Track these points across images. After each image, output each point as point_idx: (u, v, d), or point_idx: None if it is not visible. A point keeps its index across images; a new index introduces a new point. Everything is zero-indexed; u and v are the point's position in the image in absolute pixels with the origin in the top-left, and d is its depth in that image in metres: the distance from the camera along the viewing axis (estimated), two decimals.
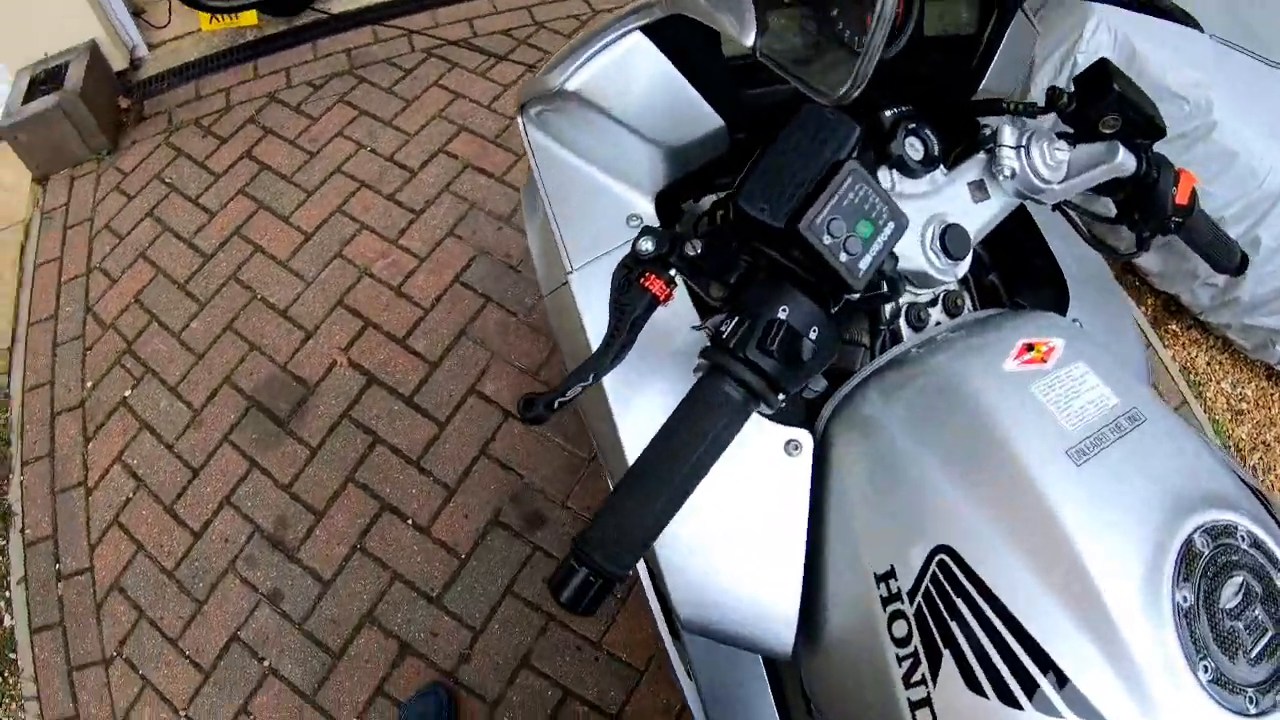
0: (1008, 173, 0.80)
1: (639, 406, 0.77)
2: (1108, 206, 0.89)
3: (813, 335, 0.59)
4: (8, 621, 2.05)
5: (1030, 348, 0.69)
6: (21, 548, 2.12)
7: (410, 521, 1.95)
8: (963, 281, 0.89)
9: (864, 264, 0.59)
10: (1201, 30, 1.95)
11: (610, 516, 0.57)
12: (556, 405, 0.63)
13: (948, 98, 0.88)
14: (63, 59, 2.71)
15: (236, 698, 1.83)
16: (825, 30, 0.69)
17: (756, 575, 0.72)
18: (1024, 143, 0.80)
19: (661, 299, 0.64)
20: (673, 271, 0.65)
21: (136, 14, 3.00)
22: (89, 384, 2.28)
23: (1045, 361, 0.67)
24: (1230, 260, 0.94)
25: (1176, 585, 0.55)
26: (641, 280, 0.63)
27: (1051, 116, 0.81)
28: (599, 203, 0.86)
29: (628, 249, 0.65)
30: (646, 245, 0.64)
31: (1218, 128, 1.95)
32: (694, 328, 0.67)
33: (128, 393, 2.24)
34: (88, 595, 2.01)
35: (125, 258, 2.47)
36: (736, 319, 0.60)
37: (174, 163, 2.64)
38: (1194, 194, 0.84)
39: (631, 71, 0.81)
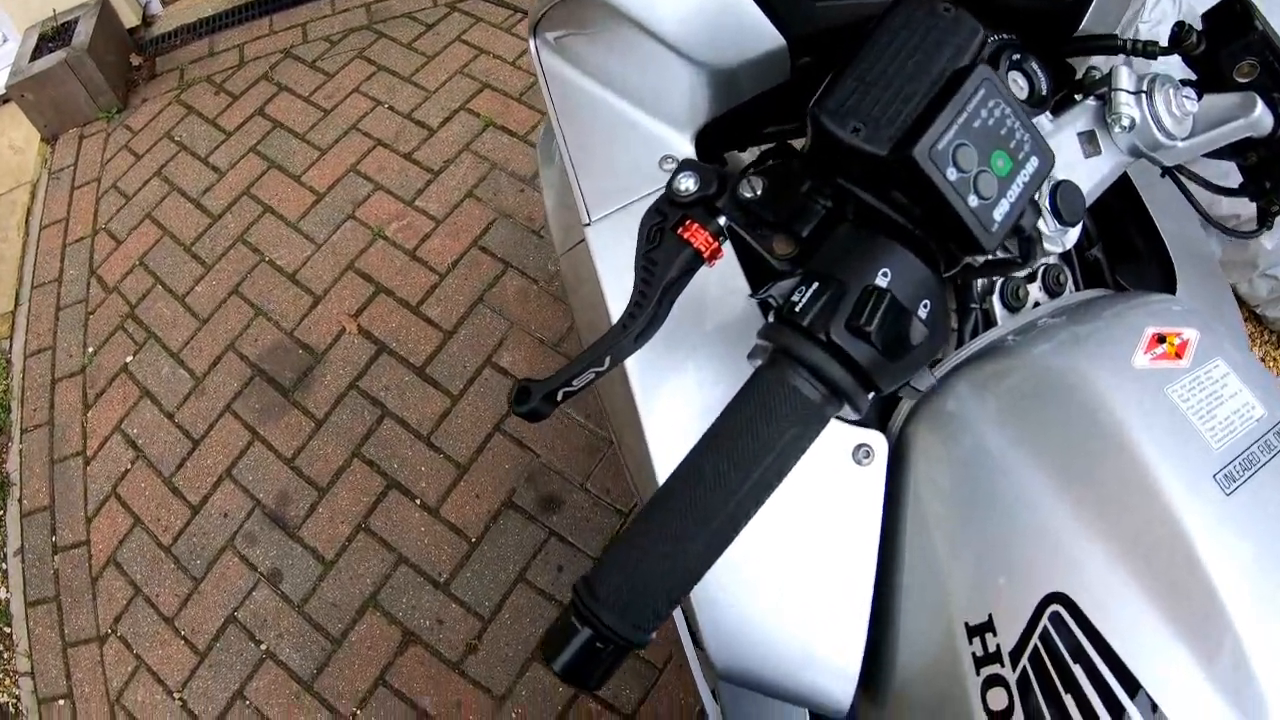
0: (1125, 123, 0.65)
1: (673, 403, 0.61)
2: (1225, 175, 0.73)
3: (923, 311, 0.44)
4: (3, 594, 1.98)
5: (1161, 339, 0.54)
6: (19, 518, 2.04)
7: (418, 501, 1.82)
8: (1064, 255, 0.73)
9: (1000, 213, 0.44)
10: None
11: (626, 561, 0.42)
12: (560, 397, 0.48)
13: (1049, 32, 0.72)
14: (72, 15, 2.62)
15: (233, 682, 1.73)
16: None
17: (812, 614, 0.58)
18: (1145, 88, 0.64)
19: (706, 255, 0.49)
20: (722, 220, 0.50)
21: None
22: (90, 349, 2.19)
23: (1181, 358, 0.54)
24: None
25: None
26: (680, 230, 0.49)
27: (1175, 59, 0.66)
28: (626, 141, 0.69)
29: (661, 194, 0.50)
30: (688, 183, 0.49)
31: None
32: (752, 297, 0.51)
33: (129, 359, 2.14)
34: (84, 569, 1.92)
35: (131, 219, 2.37)
36: (815, 286, 0.44)
37: (184, 121, 2.53)
38: None
39: None
